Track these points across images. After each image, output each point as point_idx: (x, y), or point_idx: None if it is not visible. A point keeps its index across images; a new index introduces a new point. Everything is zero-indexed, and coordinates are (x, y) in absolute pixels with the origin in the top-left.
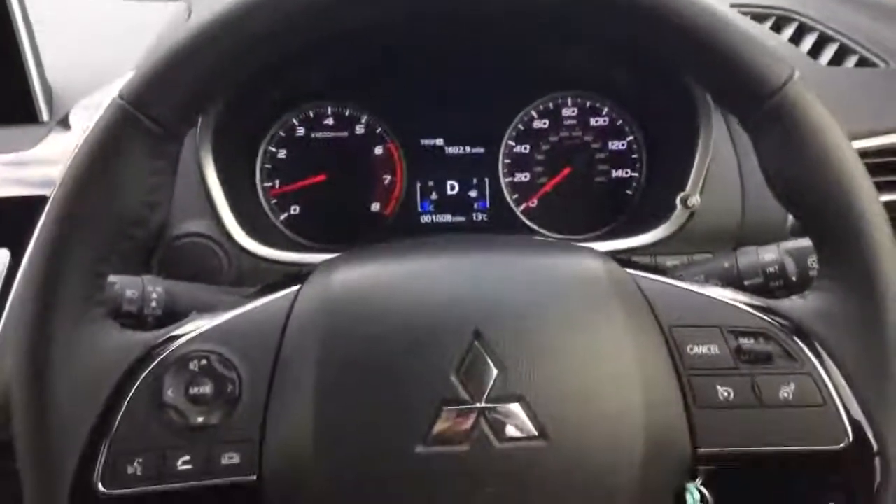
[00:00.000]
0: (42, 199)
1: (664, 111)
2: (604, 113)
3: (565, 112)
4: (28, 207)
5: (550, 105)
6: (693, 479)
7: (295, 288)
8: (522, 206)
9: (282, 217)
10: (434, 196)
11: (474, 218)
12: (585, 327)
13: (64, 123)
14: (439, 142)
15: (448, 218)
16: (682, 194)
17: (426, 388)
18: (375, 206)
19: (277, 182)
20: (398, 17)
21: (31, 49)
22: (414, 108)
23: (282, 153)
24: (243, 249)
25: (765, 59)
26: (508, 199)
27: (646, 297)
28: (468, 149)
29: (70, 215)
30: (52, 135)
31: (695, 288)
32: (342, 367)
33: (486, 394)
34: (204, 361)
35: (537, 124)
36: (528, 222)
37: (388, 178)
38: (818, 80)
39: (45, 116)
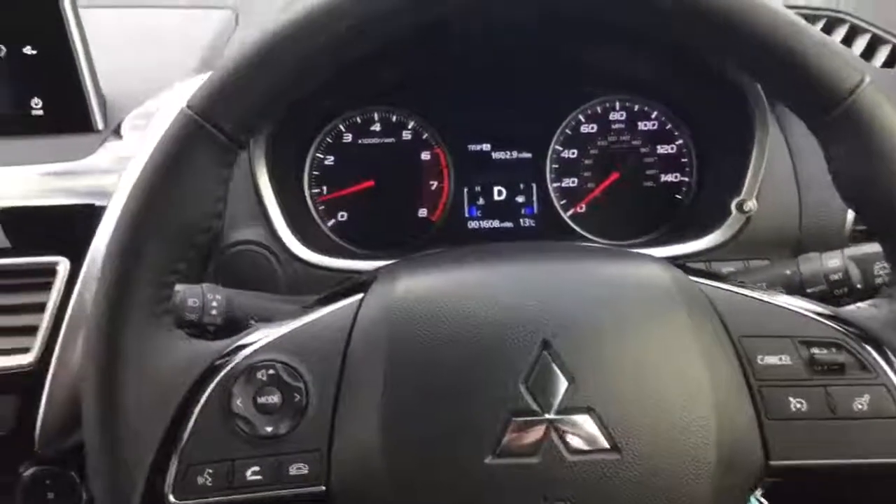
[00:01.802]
0: (99, 208)
1: (716, 115)
2: (653, 117)
3: (613, 116)
4: (85, 216)
5: (598, 109)
6: (754, 489)
7: (358, 297)
8: (570, 212)
9: (329, 223)
10: (481, 201)
11: (521, 223)
12: (655, 338)
13: (117, 132)
14: (486, 147)
15: (495, 223)
16: (737, 199)
17: (495, 399)
18: (422, 212)
19: (325, 188)
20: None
21: (85, 59)
22: (461, 113)
23: (329, 159)
24: (295, 257)
25: (836, 63)
26: (556, 204)
27: (714, 306)
28: (515, 154)
29: (141, 225)
30: (107, 143)
31: (763, 297)
32: (409, 378)
33: (556, 405)
34: (271, 371)
35: (585, 129)
36: (576, 227)
37: (435, 183)
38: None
39: (99, 125)
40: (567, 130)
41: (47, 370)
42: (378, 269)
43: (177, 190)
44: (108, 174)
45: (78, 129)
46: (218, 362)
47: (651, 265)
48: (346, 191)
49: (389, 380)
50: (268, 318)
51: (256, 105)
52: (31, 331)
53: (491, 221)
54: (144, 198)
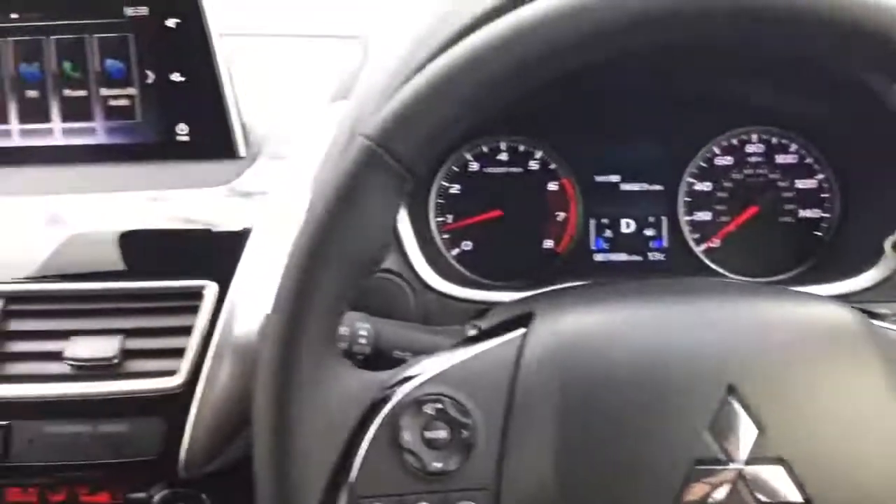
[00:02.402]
0: (244, 232)
1: (863, 148)
2: (792, 150)
3: (750, 149)
4: (231, 240)
5: (734, 141)
6: None
7: (520, 332)
8: (703, 246)
9: (453, 252)
10: (608, 234)
11: (650, 257)
12: (847, 384)
13: (260, 158)
14: (615, 178)
15: (623, 257)
16: (892, 238)
17: (676, 445)
18: (548, 244)
19: (450, 217)
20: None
21: (230, 87)
22: (589, 143)
23: (455, 188)
24: (429, 287)
25: None
26: (688, 238)
27: None
28: (645, 185)
29: (318, 254)
30: (250, 170)
31: None
32: (583, 420)
33: (744, 454)
34: (439, 405)
35: (720, 161)
36: (709, 263)
37: (561, 214)
38: None
39: (241, 152)
40: (701, 162)
41: (194, 393)
42: (533, 303)
43: (354, 219)
44: (251, 199)
45: (221, 155)
46: (385, 393)
47: (833, 307)
48: (471, 220)
49: (562, 420)
50: (416, 350)
51: (432, 134)
52: (179, 353)
53: (618, 254)
54: (322, 227)
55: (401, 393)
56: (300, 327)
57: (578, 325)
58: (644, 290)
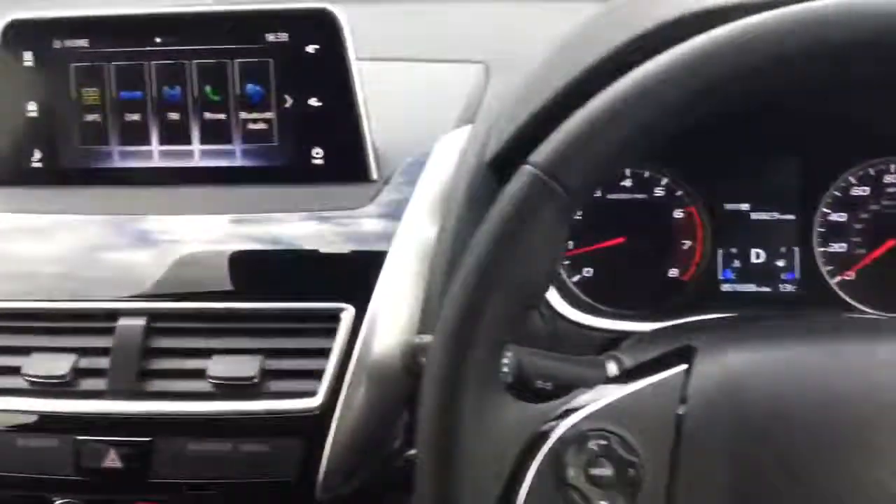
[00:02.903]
0: (379, 255)
1: None
2: None
3: (888, 179)
4: (367, 263)
5: (871, 171)
6: None
7: (681, 367)
8: (837, 279)
9: (574, 278)
10: (736, 264)
11: (780, 289)
12: None
13: (392, 181)
14: (744, 207)
15: (751, 287)
16: None
17: (870, 498)
18: (673, 272)
19: (572, 243)
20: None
21: (365, 112)
22: (717, 170)
23: (577, 214)
24: (559, 315)
25: None
26: (822, 270)
27: None
28: (776, 215)
29: (484, 283)
30: (384, 192)
31: None
32: (763, 466)
33: None
34: (603, 442)
35: (856, 191)
36: (844, 296)
37: (687, 243)
38: None
39: (374, 175)
40: (836, 192)
41: (332, 415)
42: (690, 336)
43: (521, 248)
44: (386, 222)
45: (355, 178)
46: (546, 427)
47: None
48: (594, 246)
49: (735, 460)
50: (559, 381)
51: (602, 164)
52: (317, 375)
53: (746, 285)
54: (488, 256)
55: (563, 427)
56: (465, 357)
57: (746, 361)
58: (812, 327)
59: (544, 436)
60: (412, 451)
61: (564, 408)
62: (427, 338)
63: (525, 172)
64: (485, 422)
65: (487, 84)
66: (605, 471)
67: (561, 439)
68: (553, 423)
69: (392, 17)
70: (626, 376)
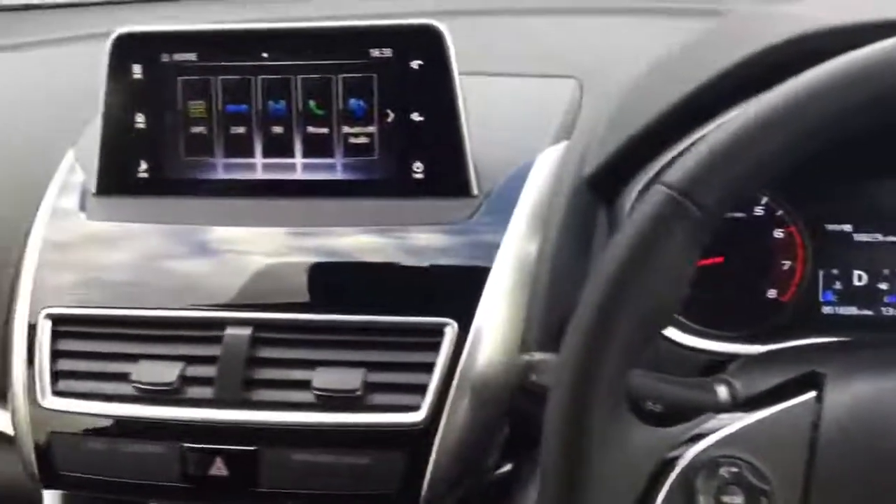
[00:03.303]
0: (482, 271)
1: None
2: None
3: None
4: (469, 278)
5: None
6: None
7: (809, 395)
8: None
9: None
10: (838, 286)
11: (883, 312)
12: None
13: (491, 196)
14: (847, 228)
15: (853, 311)
16: None
17: None
18: (772, 293)
19: None
20: None
21: (466, 127)
22: (819, 189)
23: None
24: (661, 335)
25: None
26: None
27: None
28: (880, 237)
29: (614, 306)
30: (484, 207)
31: None
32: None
33: None
34: (734, 469)
35: None
36: None
37: (787, 263)
38: None
39: (474, 190)
40: None
41: (435, 430)
42: (814, 361)
43: (654, 271)
44: (487, 237)
45: (455, 193)
46: (675, 452)
47: None
48: None
49: (873, 491)
50: (669, 404)
51: (740, 185)
52: (420, 389)
53: (848, 308)
54: (619, 277)
55: (692, 453)
56: (593, 380)
57: (876, 389)
58: None
59: (672, 462)
60: (508, 467)
61: (692, 433)
62: (540, 355)
63: (658, 192)
64: (613, 446)
65: (581, 100)
66: (736, 499)
67: (690, 466)
68: (680, 448)
69: (482, 30)
70: (747, 402)
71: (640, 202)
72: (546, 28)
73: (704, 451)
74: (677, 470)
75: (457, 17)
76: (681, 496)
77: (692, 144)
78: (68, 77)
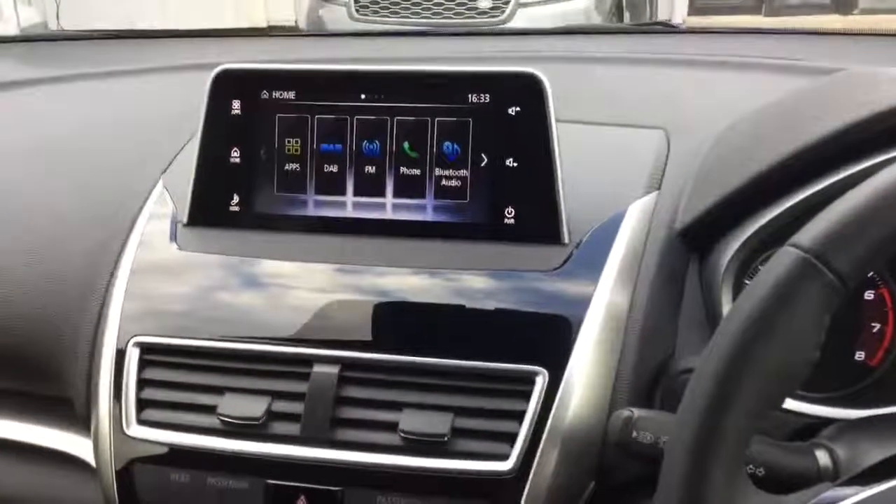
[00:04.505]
0: (573, 319)
1: None
2: None
3: None
4: (560, 327)
5: None
6: None
7: None
8: None
9: None
10: None
11: None
12: None
13: (582, 245)
14: None
15: None
16: None
17: None
18: (859, 356)
19: None
20: None
21: (560, 173)
22: None
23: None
24: None
25: None
26: None
27: None
28: None
29: (739, 369)
30: (575, 256)
31: None
32: None
33: None
34: None
35: None
36: None
37: (876, 326)
38: None
39: (566, 238)
40: None
41: (524, 480)
42: None
43: (785, 334)
44: (578, 286)
45: (545, 240)
46: None
47: None
48: None
49: None
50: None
51: (876, 249)
52: (508, 438)
53: None
54: (746, 340)
55: None
56: (714, 444)
57: None
58: None
59: None
60: None
61: (811, 501)
62: (640, 412)
63: (789, 254)
64: None
65: (669, 151)
66: None
67: None
68: None
69: (569, 76)
70: (857, 473)
71: (769, 264)
72: (634, 78)
73: None
74: None
75: (547, 62)
76: None
77: (804, 204)
78: (158, 106)
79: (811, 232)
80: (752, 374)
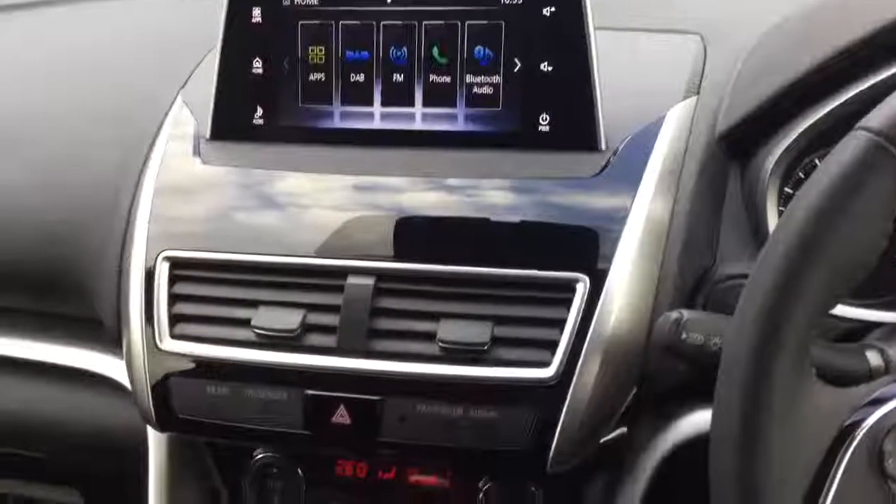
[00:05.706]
0: (613, 227)
1: None
2: None
3: None
4: (600, 234)
5: None
6: None
7: None
8: None
9: None
10: None
11: None
12: None
13: (620, 152)
14: None
15: None
16: None
17: None
18: None
19: None
20: None
21: (598, 79)
22: None
23: None
24: None
25: None
26: None
27: None
28: None
29: (808, 259)
30: (613, 163)
31: None
32: None
33: None
34: None
35: None
36: None
37: None
38: None
39: (602, 145)
40: None
41: (566, 387)
42: None
43: (853, 222)
44: (618, 193)
45: (582, 147)
46: (859, 415)
47: None
48: None
49: None
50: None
51: None
52: (549, 345)
53: None
54: (814, 230)
55: (877, 416)
56: (779, 338)
57: None
58: None
59: (855, 425)
60: (623, 429)
61: (875, 395)
62: (690, 313)
63: (858, 138)
64: (796, 412)
65: (706, 55)
66: None
67: (877, 428)
68: (866, 411)
69: None
70: None
71: (836, 149)
72: None
73: (887, 415)
74: (862, 434)
75: None
76: (866, 462)
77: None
78: (175, 23)
79: (881, 115)
80: (819, 267)
